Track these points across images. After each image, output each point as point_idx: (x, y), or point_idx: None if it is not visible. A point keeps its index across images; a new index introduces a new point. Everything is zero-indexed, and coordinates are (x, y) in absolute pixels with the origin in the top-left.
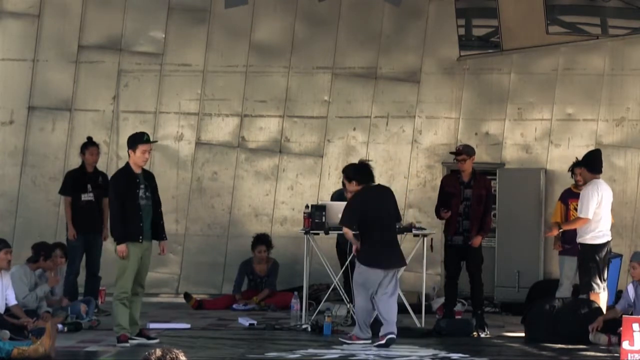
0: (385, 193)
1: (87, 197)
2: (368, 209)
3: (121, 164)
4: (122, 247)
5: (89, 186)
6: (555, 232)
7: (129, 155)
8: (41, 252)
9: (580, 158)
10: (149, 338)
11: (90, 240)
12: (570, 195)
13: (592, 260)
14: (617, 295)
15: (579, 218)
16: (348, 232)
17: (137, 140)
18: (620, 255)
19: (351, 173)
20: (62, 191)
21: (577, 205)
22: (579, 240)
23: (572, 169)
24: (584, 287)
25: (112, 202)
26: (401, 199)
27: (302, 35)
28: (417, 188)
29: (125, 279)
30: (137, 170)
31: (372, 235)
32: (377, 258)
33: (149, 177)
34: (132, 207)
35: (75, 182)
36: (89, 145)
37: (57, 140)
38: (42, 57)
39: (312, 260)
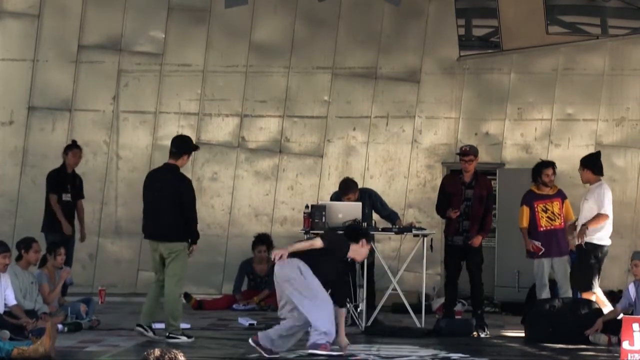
0: None
1: (66, 197)
2: None
3: (121, 164)
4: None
5: (68, 187)
6: (584, 235)
7: (172, 155)
8: (20, 246)
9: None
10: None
11: (65, 239)
12: (535, 198)
13: (594, 258)
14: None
15: (601, 215)
16: None
17: (190, 147)
18: None
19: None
20: (52, 190)
21: (544, 207)
22: (586, 239)
23: (540, 169)
24: (584, 285)
25: (194, 206)
26: (401, 199)
27: (302, 35)
28: (417, 188)
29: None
30: None
31: None
32: None
33: None
34: None
35: (58, 181)
36: (74, 147)
37: (57, 140)
38: (42, 57)
39: None
